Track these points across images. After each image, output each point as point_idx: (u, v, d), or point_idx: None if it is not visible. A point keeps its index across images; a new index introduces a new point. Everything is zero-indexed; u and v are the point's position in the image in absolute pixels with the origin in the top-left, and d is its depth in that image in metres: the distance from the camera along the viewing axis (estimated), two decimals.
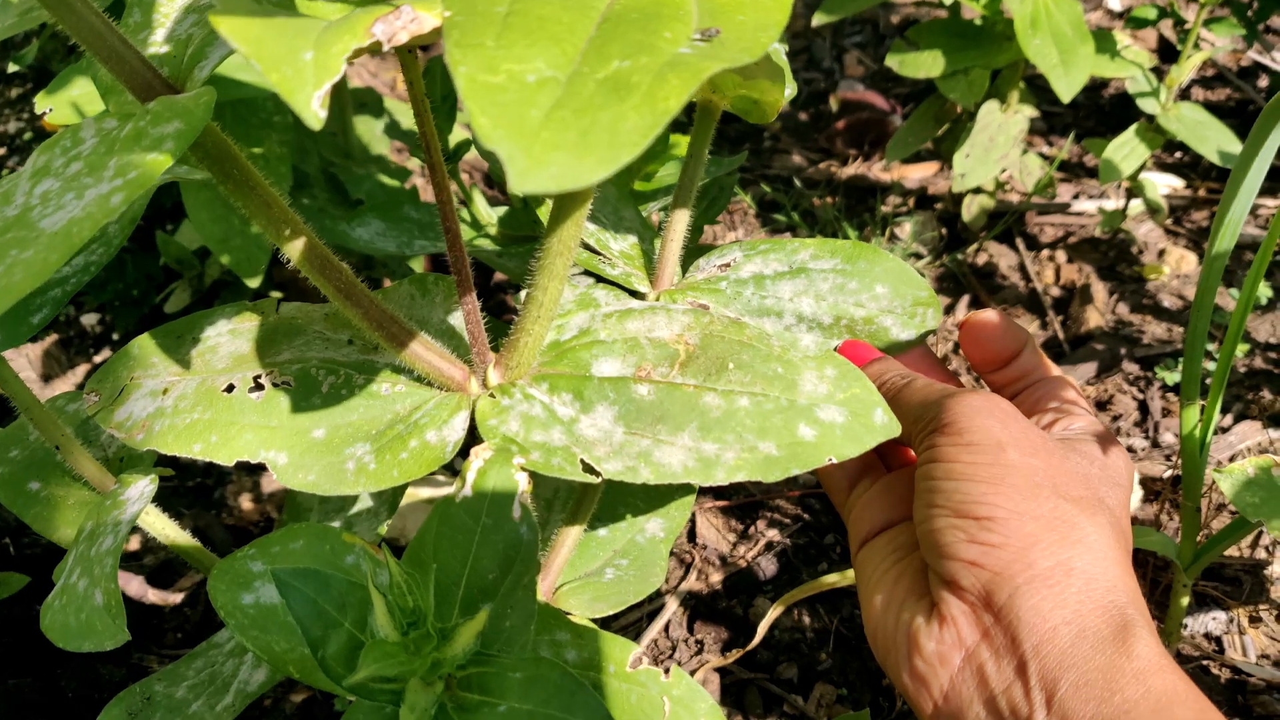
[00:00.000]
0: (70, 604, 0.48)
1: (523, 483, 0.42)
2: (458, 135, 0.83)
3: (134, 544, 0.98)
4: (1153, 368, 1.05)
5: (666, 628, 0.87)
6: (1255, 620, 0.82)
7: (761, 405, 0.47)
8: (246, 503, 1.02)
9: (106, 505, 0.52)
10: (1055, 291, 1.18)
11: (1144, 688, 0.39)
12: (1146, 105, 1.08)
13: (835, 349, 0.55)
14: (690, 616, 0.88)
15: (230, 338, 0.51)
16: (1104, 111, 1.44)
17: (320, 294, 0.47)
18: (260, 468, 1.02)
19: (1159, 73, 1.20)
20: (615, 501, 0.61)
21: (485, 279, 1.19)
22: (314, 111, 0.29)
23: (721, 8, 0.33)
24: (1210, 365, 0.99)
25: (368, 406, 0.49)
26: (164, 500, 1.01)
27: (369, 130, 1.09)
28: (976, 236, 1.23)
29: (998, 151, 1.10)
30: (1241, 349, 1.03)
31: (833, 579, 0.82)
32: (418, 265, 1.02)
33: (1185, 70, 1.06)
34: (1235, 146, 1.06)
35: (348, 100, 1.03)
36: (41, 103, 0.78)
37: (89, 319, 1.24)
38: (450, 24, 0.30)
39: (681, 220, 0.58)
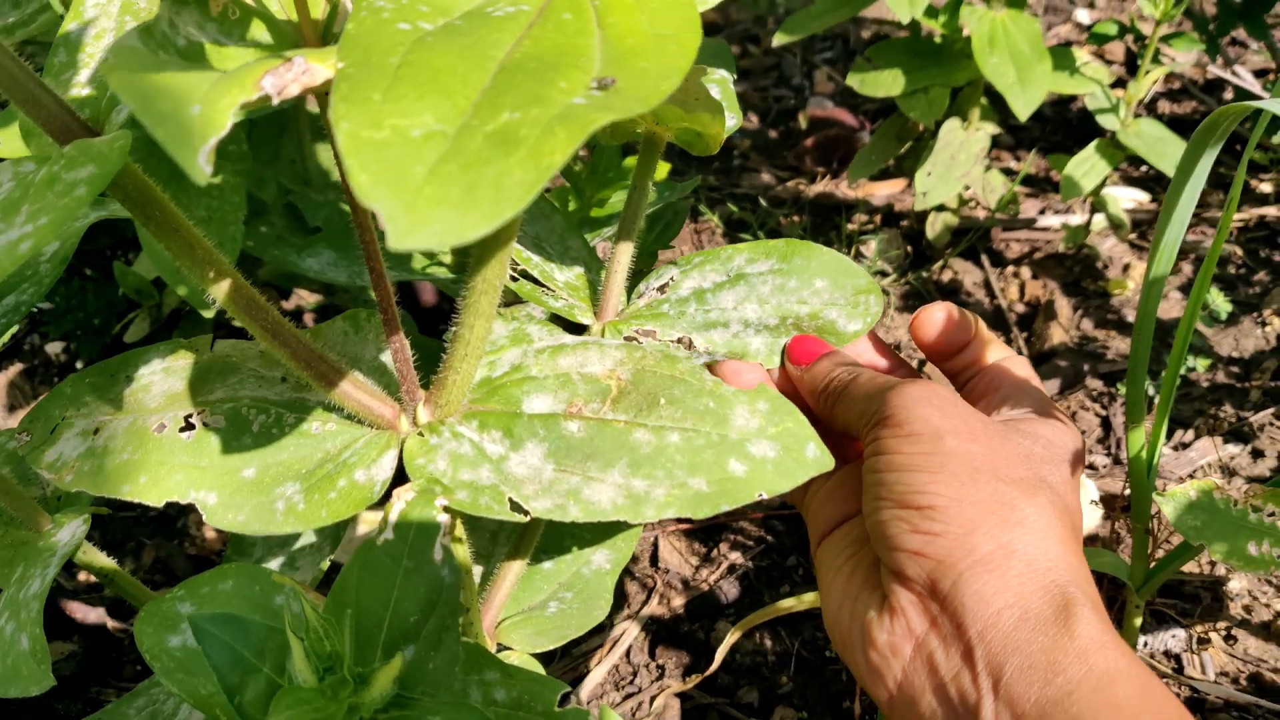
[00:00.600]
0: None
1: (445, 524, 0.42)
2: None
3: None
4: (1116, 384, 1.05)
5: (628, 653, 0.87)
6: (1203, 642, 0.82)
7: (692, 441, 0.47)
8: (209, 532, 1.02)
9: (38, 547, 0.51)
10: (1020, 308, 1.18)
11: (1086, 666, 0.40)
12: (1106, 121, 1.08)
13: (784, 346, 0.56)
14: (652, 641, 0.88)
15: (164, 376, 0.51)
16: (1071, 126, 1.45)
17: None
18: None
19: (1124, 87, 1.21)
20: (561, 534, 0.61)
21: (453, 305, 1.19)
22: (199, 167, 0.28)
23: (624, 55, 0.33)
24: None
25: (298, 445, 0.48)
26: (126, 530, 1.01)
27: (329, 157, 1.08)
28: (941, 254, 1.23)
29: (960, 169, 1.10)
30: (1203, 364, 1.04)
31: (789, 604, 0.82)
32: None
33: (1144, 86, 1.07)
34: None
35: (306, 127, 1.02)
36: None
37: (54, 348, 1.23)
38: (341, 76, 0.30)
39: (626, 251, 0.58)
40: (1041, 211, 1.30)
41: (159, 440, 0.48)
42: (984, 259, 1.24)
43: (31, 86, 0.41)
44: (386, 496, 0.47)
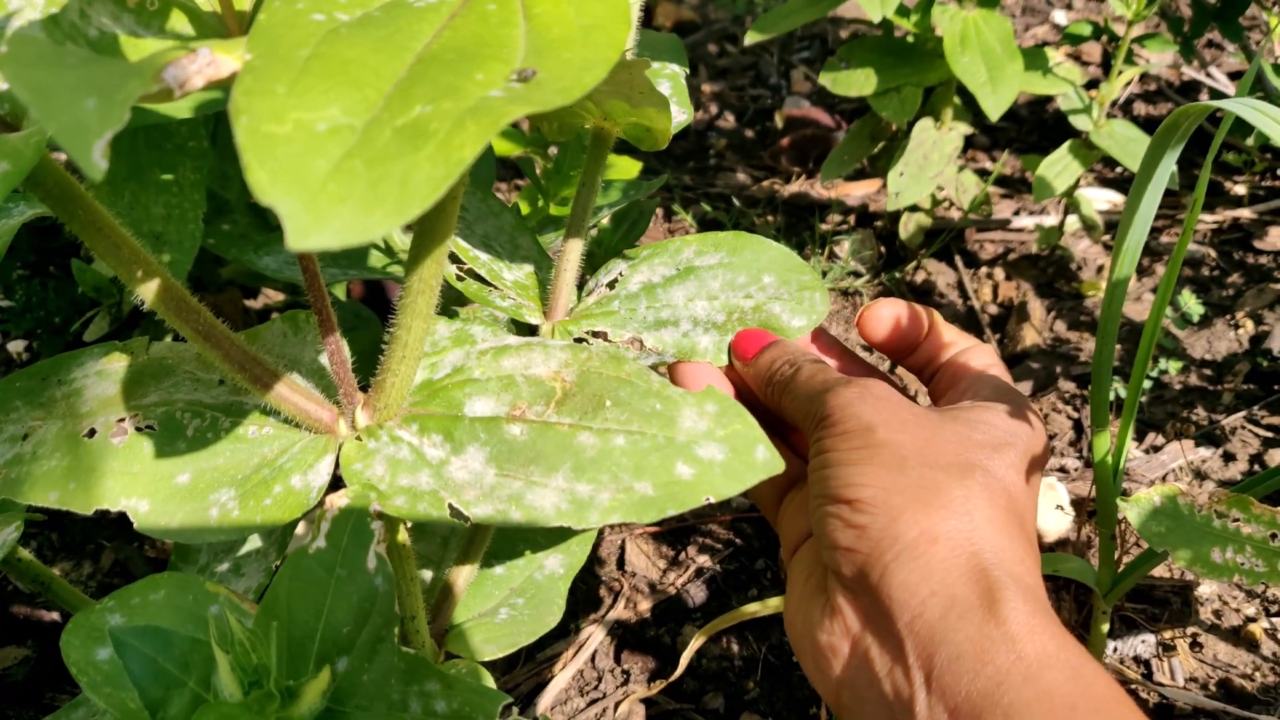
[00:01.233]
0: None
1: (379, 532, 0.41)
2: None
3: None
4: (1088, 386, 1.04)
5: (593, 658, 0.86)
6: (1172, 648, 0.81)
7: (638, 444, 0.45)
8: None
9: None
10: (993, 309, 1.17)
11: (1015, 654, 0.39)
12: (1079, 122, 1.08)
13: (734, 337, 0.55)
14: (617, 646, 0.86)
15: (97, 379, 0.50)
16: (1047, 126, 1.45)
17: (236, 316, 0.45)
18: None
19: (1099, 87, 1.20)
20: (513, 538, 0.60)
21: None
22: (94, 162, 0.27)
23: (550, 45, 0.32)
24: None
25: (234, 450, 0.47)
26: (86, 533, 0.99)
27: None
28: (915, 254, 1.22)
29: (932, 169, 1.10)
30: (1175, 366, 1.03)
31: (754, 608, 0.81)
32: (341, 292, 1.00)
33: (1116, 86, 1.06)
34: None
35: None
36: None
37: (15, 346, 1.21)
38: (246, 68, 0.28)
39: (575, 248, 0.57)
40: (1016, 212, 1.29)
41: (89, 446, 0.47)
42: (957, 260, 1.23)
43: None
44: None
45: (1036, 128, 1.46)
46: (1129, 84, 1.46)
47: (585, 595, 0.90)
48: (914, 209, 1.18)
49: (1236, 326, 1.08)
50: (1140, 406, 0.99)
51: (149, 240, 0.86)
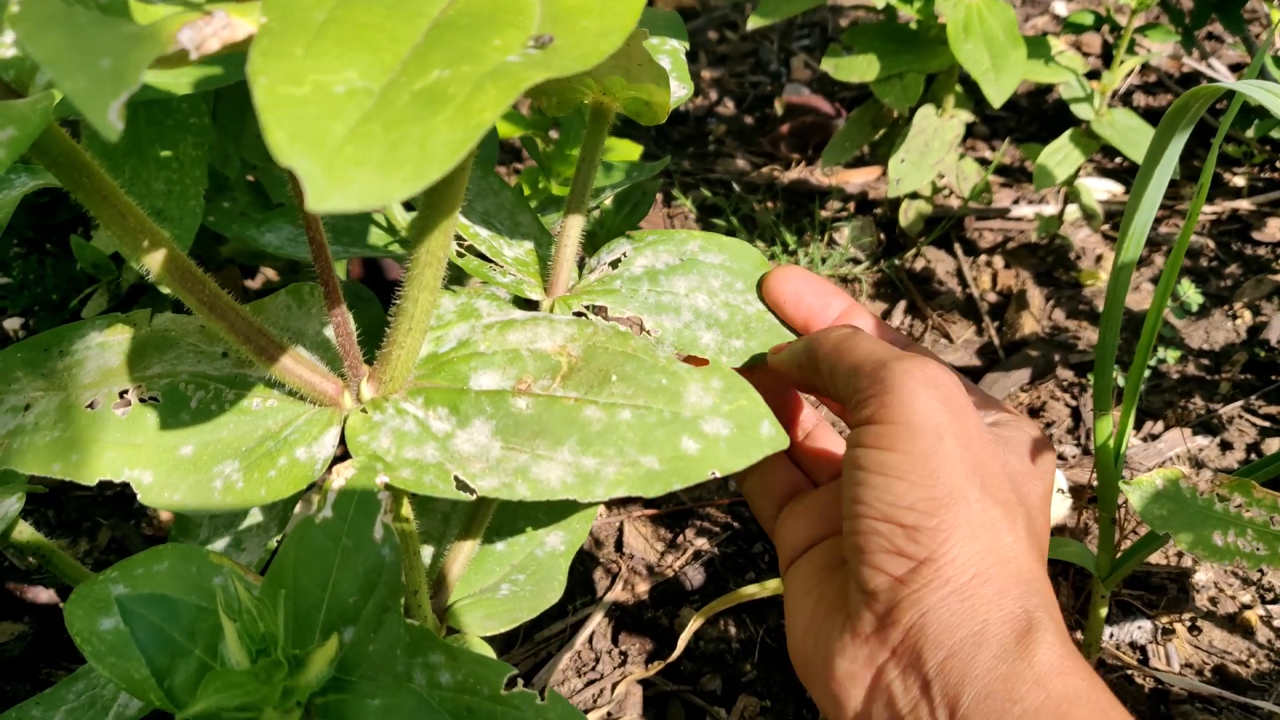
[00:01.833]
0: None
1: (385, 502, 0.41)
2: None
3: None
4: (1086, 374, 1.04)
5: (591, 639, 0.86)
6: (1169, 633, 0.81)
7: (644, 418, 0.45)
8: (165, 513, 1.00)
9: None
10: (992, 297, 1.17)
11: (1044, 693, 0.38)
12: (1080, 111, 1.08)
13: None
14: (615, 627, 0.87)
15: (99, 351, 0.49)
16: (1047, 116, 1.44)
17: (237, 292, 0.45)
18: None
19: (1100, 78, 1.20)
20: (514, 515, 0.60)
21: None
22: (110, 123, 0.27)
23: (565, 12, 0.32)
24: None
25: (238, 423, 0.47)
26: (82, 510, 0.99)
27: None
28: (914, 242, 1.22)
29: (933, 156, 1.10)
30: (1173, 355, 1.03)
31: (751, 590, 0.81)
32: (343, 269, 1.00)
33: (1118, 76, 1.06)
34: None
35: None
36: None
37: (12, 323, 1.21)
38: (263, 31, 0.28)
39: (575, 225, 0.57)
40: (1015, 201, 1.29)
41: (92, 417, 0.47)
42: (957, 247, 1.23)
43: None
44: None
45: (1035, 117, 1.46)
46: (1130, 74, 1.46)
47: (583, 577, 0.91)
48: (914, 196, 1.18)
49: (1234, 317, 1.08)
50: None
51: (149, 216, 0.86)
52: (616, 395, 0.46)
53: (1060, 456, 0.97)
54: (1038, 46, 1.08)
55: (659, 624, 0.86)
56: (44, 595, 0.88)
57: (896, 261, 1.20)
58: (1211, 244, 1.19)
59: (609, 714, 0.79)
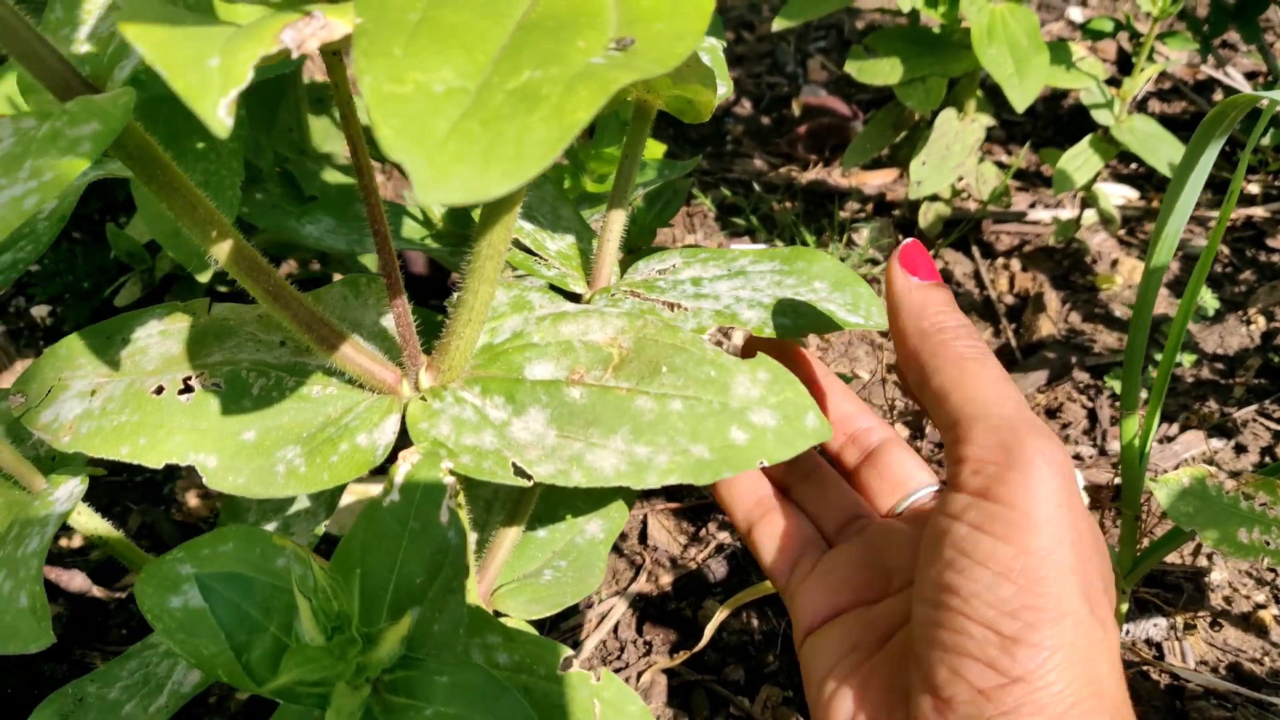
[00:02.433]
0: None
1: (451, 486, 0.42)
2: None
3: (78, 539, 0.97)
4: (1102, 377, 1.06)
5: (615, 629, 0.87)
6: (1189, 628, 0.83)
7: (694, 409, 0.47)
8: (194, 499, 1.02)
9: (34, 506, 0.51)
10: (1009, 299, 1.19)
11: None
12: (1100, 117, 1.09)
13: (906, 242, 0.47)
14: (639, 618, 0.88)
15: (160, 339, 0.51)
16: (1062, 122, 1.46)
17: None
18: None
19: (1116, 84, 1.21)
20: (555, 503, 0.61)
21: (443, 276, 1.19)
22: (220, 120, 0.28)
23: (640, 16, 0.33)
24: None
25: (299, 409, 0.48)
26: (113, 495, 1.00)
27: (322, 128, 1.08)
28: (933, 244, 1.23)
29: (954, 159, 1.11)
30: (1189, 359, 1.05)
31: None
32: (370, 262, 1.01)
33: (1139, 83, 1.07)
34: None
35: (303, 96, 1.02)
36: None
37: (39, 311, 1.22)
38: (360, 31, 0.30)
39: (618, 220, 0.58)
40: (1031, 205, 1.31)
41: (157, 402, 0.48)
42: (974, 250, 1.25)
43: (32, 41, 0.40)
44: (388, 461, 0.47)
45: (1051, 123, 1.47)
46: (1149, 81, 1.47)
47: (608, 568, 0.92)
48: (934, 198, 1.19)
49: (1248, 322, 1.09)
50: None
51: None
52: (667, 386, 0.47)
53: (1077, 457, 0.98)
54: (1059, 52, 1.10)
55: (682, 615, 0.88)
56: (78, 580, 0.90)
57: None
58: (1226, 250, 1.20)
59: None
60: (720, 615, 0.82)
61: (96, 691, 0.56)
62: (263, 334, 0.51)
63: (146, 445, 0.47)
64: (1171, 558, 0.87)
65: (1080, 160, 1.08)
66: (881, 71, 1.09)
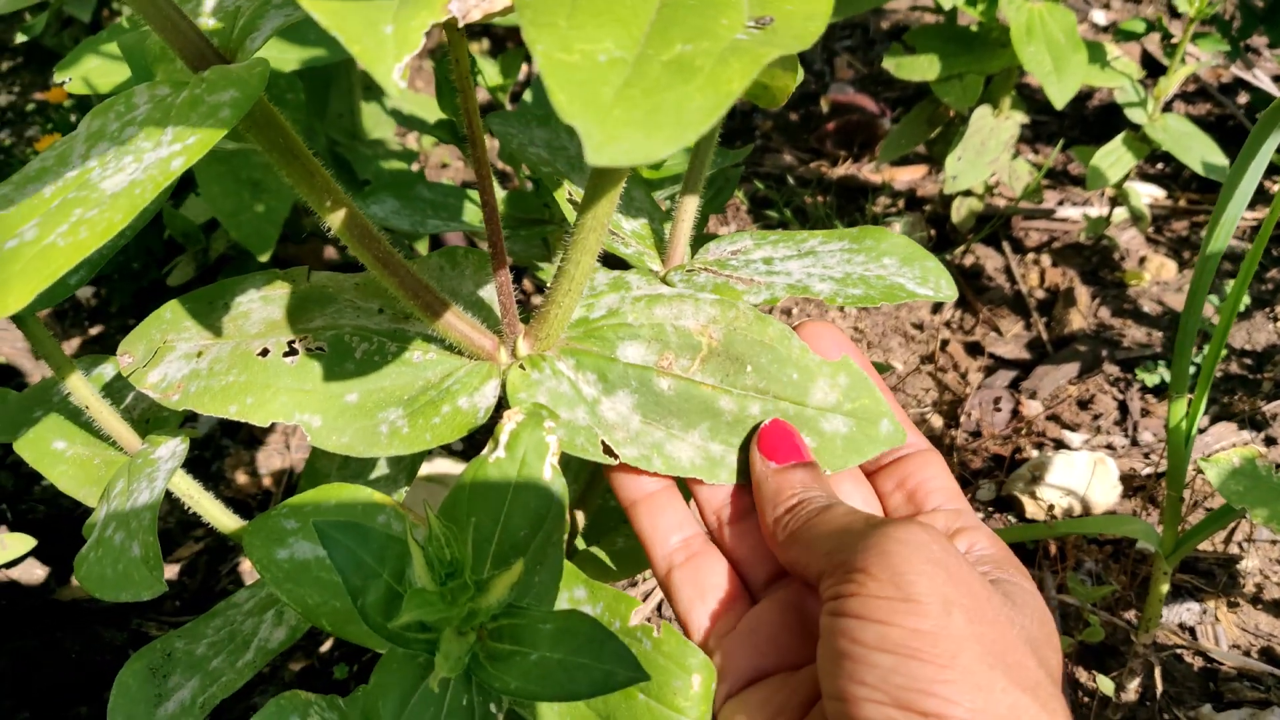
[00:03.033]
0: (106, 556, 0.50)
1: (553, 444, 0.44)
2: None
3: None
4: (1133, 370, 1.08)
5: (659, 607, 0.89)
6: (1232, 606, 0.85)
7: (770, 414, 0.49)
8: (242, 476, 1.04)
9: (138, 464, 0.53)
10: (1039, 294, 1.21)
11: None
12: (1134, 115, 1.11)
13: (766, 424, 0.48)
14: None
15: (262, 304, 0.53)
16: (1088, 121, 1.48)
17: (318, 266, 0.49)
18: (257, 441, 1.04)
19: (1143, 85, 1.23)
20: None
21: None
22: (394, 81, 0.30)
23: None
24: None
25: (400, 373, 0.50)
26: None
27: (373, 114, 1.10)
28: (964, 238, 1.25)
29: (988, 155, 1.13)
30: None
31: None
32: (421, 245, 1.03)
33: (1173, 82, 1.09)
34: (1218, 158, 1.09)
35: (357, 82, 1.04)
36: (60, 74, 0.80)
37: (84, 291, 1.24)
38: (522, 3, 0.32)
39: (691, 203, 0.60)
40: (1060, 203, 1.33)
41: (263, 364, 0.50)
42: (1005, 245, 1.27)
43: (171, 12, 0.42)
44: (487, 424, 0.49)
45: (1077, 123, 1.49)
46: (1181, 80, 1.49)
47: None
48: (967, 194, 1.21)
49: (1276, 320, 1.11)
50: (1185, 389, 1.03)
51: (247, 186, 0.90)
52: (749, 387, 0.49)
53: (1109, 447, 1.00)
54: (1094, 51, 1.12)
55: None
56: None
57: (947, 257, 1.24)
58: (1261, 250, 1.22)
59: None
60: None
61: (184, 647, 0.58)
62: (361, 301, 0.53)
63: (254, 404, 0.49)
64: (1204, 545, 0.89)
65: (1113, 158, 1.11)
66: (920, 68, 1.11)
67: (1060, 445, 1.02)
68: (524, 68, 1.52)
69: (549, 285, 0.49)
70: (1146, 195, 1.31)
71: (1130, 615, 0.84)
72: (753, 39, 0.32)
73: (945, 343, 1.15)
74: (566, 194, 0.61)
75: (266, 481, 1.03)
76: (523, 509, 0.44)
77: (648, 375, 0.49)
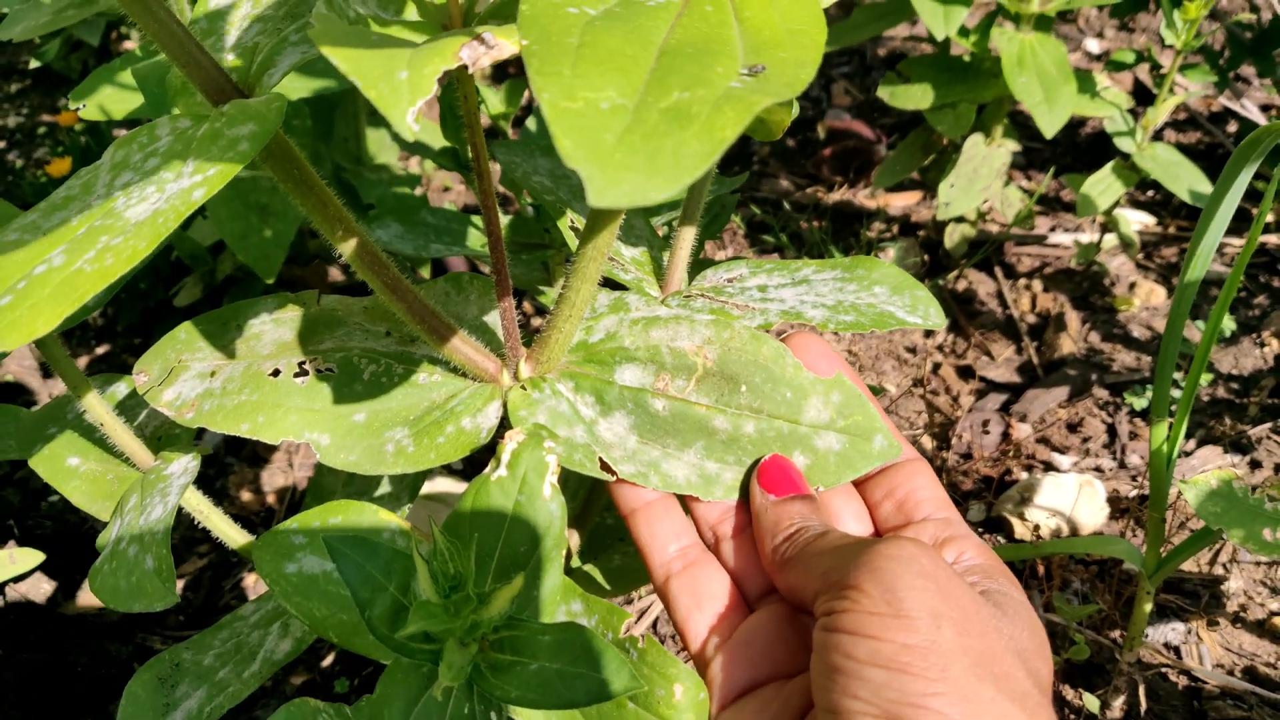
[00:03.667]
0: (120, 569, 0.51)
1: (553, 464, 0.46)
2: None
3: None
4: (1121, 394, 1.10)
5: (654, 625, 0.91)
6: (1213, 625, 0.87)
7: (765, 432, 0.51)
8: (246, 494, 1.05)
9: (151, 479, 0.55)
10: (1031, 319, 1.23)
11: None
12: (1123, 144, 1.14)
13: (766, 459, 0.50)
14: None
15: (274, 326, 0.55)
16: (1080, 149, 1.51)
17: (322, 287, 0.51)
18: (261, 459, 1.06)
19: (1134, 114, 1.26)
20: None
21: None
22: (408, 125, 0.32)
23: (764, 45, 0.38)
24: (1176, 394, 1.04)
25: (406, 394, 0.52)
26: None
27: (378, 139, 1.13)
28: (957, 264, 1.28)
29: (981, 183, 1.15)
30: (1205, 378, 1.09)
31: None
32: (424, 270, 1.05)
33: (1161, 112, 1.12)
34: (1206, 186, 1.12)
35: (362, 108, 1.06)
36: (75, 100, 0.82)
37: None
38: (529, 53, 0.34)
39: (689, 233, 0.62)
40: (1051, 229, 1.35)
41: (274, 384, 0.52)
42: (997, 271, 1.29)
43: (193, 49, 0.45)
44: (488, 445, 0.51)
45: (1069, 150, 1.52)
46: (1172, 111, 1.52)
47: None
48: (960, 220, 1.24)
49: (1262, 345, 1.14)
50: (1170, 413, 1.05)
51: (255, 210, 0.92)
52: (744, 408, 0.51)
53: (1097, 469, 1.02)
54: (1084, 81, 1.14)
55: None
56: None
57: (940, 282, 1.26)
58: (1242, 276, 1.25)
59: None
60: None
61: (191, 658, 0.60)
62: (369, 324, 0.55)
63: (265, 423, 0.51)
64: (1189, 566, 0.91)
65: (1103, 185, 1.13)
66: (914, 97, 1.13)
67: (1049, 467, 1.04)
68: (526, 94, 1.55)
69: (551, 310, 0.51)
70: (1136, 222, 1.33)
71: (1116, 634, 0.86)
72: (746, 87, 0.34)
73: (937, 366, 1.17)
74: (569, 222, 0.63)
75: (270, 499, 1.05)
76: (523, 525, 0.46)
77: (643, 397, 0.51)
